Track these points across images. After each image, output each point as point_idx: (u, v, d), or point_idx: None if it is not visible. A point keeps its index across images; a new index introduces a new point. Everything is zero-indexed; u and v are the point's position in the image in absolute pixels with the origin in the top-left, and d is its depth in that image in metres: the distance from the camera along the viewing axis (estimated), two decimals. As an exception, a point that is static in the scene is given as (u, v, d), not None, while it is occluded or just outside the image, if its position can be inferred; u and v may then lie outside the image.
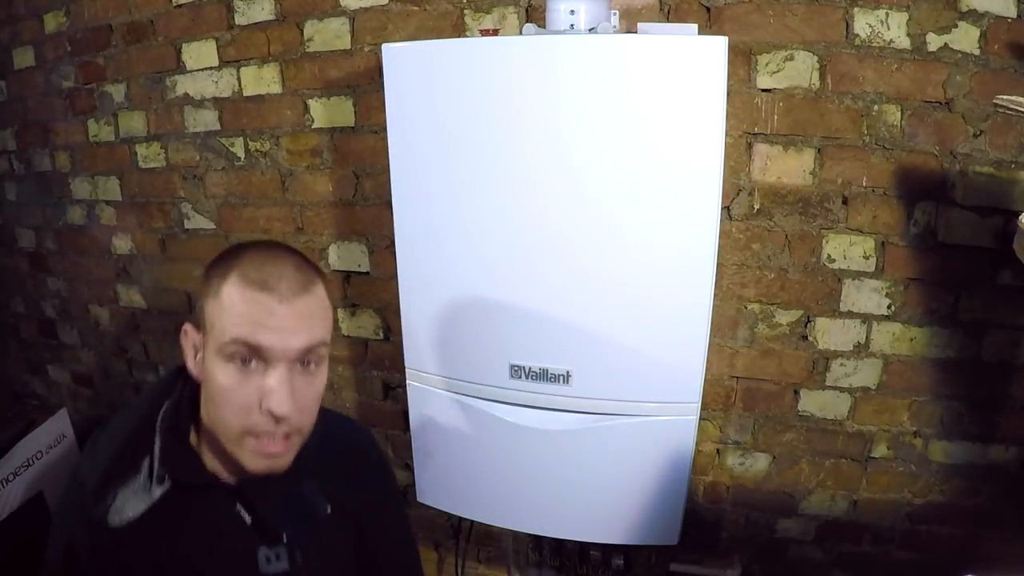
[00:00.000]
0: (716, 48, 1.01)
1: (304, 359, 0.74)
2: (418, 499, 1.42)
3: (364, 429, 1.04)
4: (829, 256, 1.39)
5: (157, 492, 0.76)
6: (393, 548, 0.99)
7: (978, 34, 1.22)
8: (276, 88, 1.70)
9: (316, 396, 0.77)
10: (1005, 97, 0.97)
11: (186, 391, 0.81)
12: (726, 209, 1.41)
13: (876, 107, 1.30)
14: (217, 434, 0.75)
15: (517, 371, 1.21)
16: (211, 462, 0.79)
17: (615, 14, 1.19)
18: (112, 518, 0.75)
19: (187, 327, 0.77)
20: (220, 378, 0.71)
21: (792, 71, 1.32)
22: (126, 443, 0.79)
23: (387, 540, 0.97)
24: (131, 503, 0.76)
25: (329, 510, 0.86)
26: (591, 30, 1.11)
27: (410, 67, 1.15)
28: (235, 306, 0.71)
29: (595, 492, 1.27)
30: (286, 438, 0.74)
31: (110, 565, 0.77)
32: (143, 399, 0.84)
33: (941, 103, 1.27)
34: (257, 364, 0.71)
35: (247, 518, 0.80)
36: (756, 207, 1.40)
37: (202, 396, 0.76)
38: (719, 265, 1.38)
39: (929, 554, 1.52)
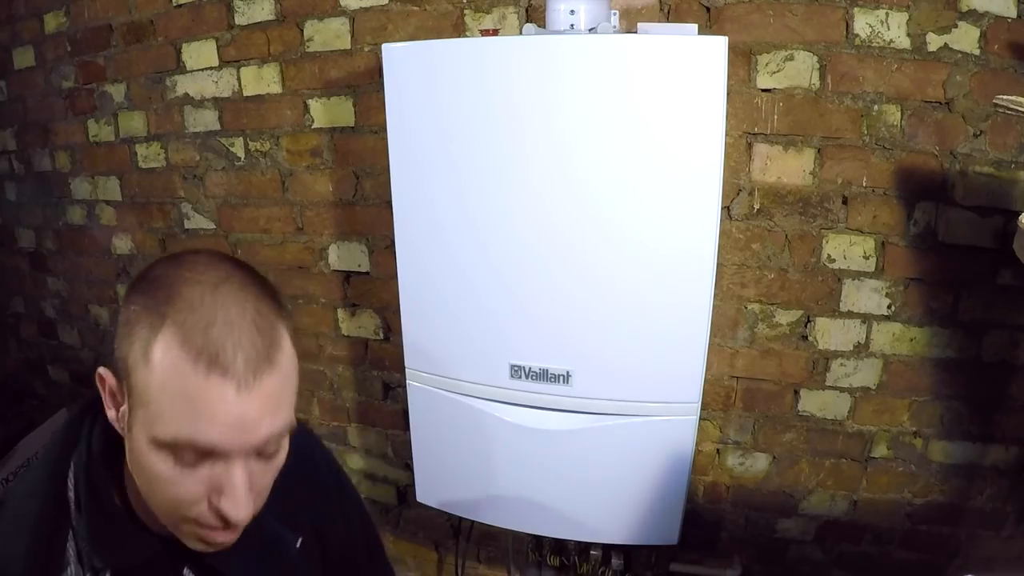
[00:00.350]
0: (716, 48, 1.01)
1: (264, 450, 0.58)
2: (418, 499, 1.42)
3: (316, 437, 0.90)
4: (829, 256, 1.39)
5: None
6: (363, 552, 0.92)
7: (978, 34, 1.22)
8: (276, 88, 1.70)
9: (275, 475, 0.62)
10: (1005, 97, 0.97)
11: (95, 439, 0.63)
12: (726, 209, 1.41)
13: (876, 107, 1.30)
14: (150, 506, 0.60)
15: (517, 371, 1.21)
16: (145, 515, 0.64)
17: (615, 14, 1.19)
18: None
19: (103, 372, 0.59)
20: (155, 467, 0.55)
21: (792, 71, 1.32)
22: (38, 528, 0.61)
23: (355, 548, 0.90)
24: None
25: (299, 543, 0.75)
26: (591, 30, 1.11)
27: (410, 67, 1.15)
28: (173, 390, 0.53)
29: (595, 492, 1.27)
30: (230, 528, 0.60)
31: None
32: (43, 462, 0.65)
33: (941, 103, 1.27)
34: (205, 457, 0.56)
35: None
36: (756, 207, 1.40)
37: (128, 459, 0.59)
38: (719, 265, 1.38)
39: (929, 554, 1.52)
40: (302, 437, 0.76)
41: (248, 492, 0.57)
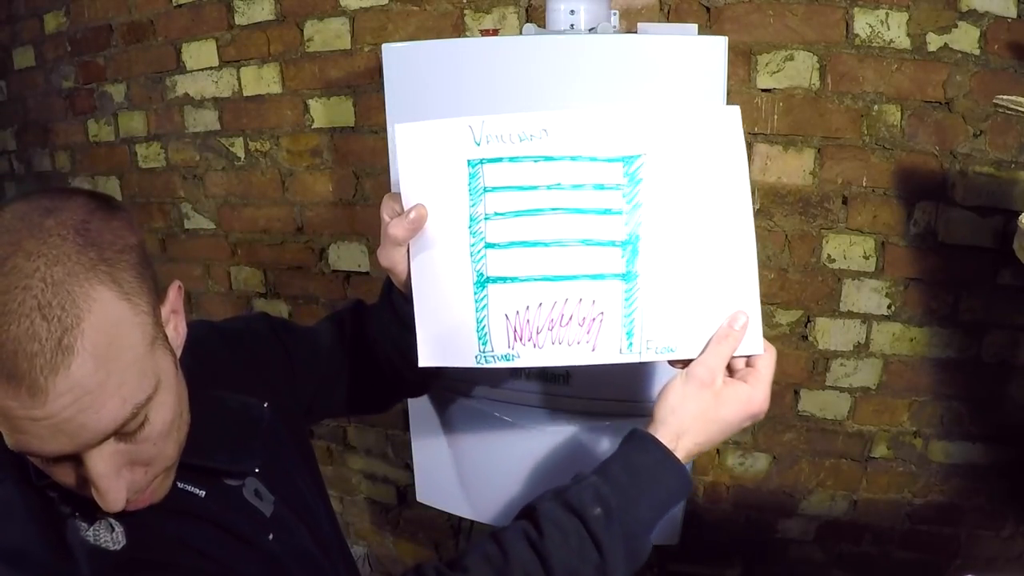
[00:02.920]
0: (716, 48, 1.01)
1: (122, 432, 0.51)
2: (418, 499, 1.42)
3: (208, 322, 0.81)
4: (829, 256, 1.39)
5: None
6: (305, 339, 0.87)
7: (978, 34, 1.22)
8: (276, 88, 1.70)
9: (167, 437, 0.55)
10: (1005, 97, 0.97)
11: None
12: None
13: (876, 107, 1.30)
14: None
15: (517, 371, 1.21)
16: None
17: (615, 14, 1.19)
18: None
19: None
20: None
21: (792, 71, 1.32)
22: (27, 507, 0.56)
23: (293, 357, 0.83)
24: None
25: (267, 405, 0.72)
26: (591, 30, 1.11)
27: (410, 67, 1.15)
28: None
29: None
30: (146, 491, 0.55)
31: None
32: None
33: (941, 103, 1.27)
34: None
35: (199, 492, 0.64)
36: (756, 207, 1.40)
37: None
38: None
39: (929, 554, 1.52)
40: (200, 329, 0.73)
41: (116, 480, 0.51)
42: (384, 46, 1.15)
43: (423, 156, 0.67)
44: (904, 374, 1.42)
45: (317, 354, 0.86)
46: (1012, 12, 1.20)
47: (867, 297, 1.39)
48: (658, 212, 0.64)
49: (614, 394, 1.19)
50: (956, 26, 1.23)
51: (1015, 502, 1.43)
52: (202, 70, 1.77)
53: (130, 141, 1.95)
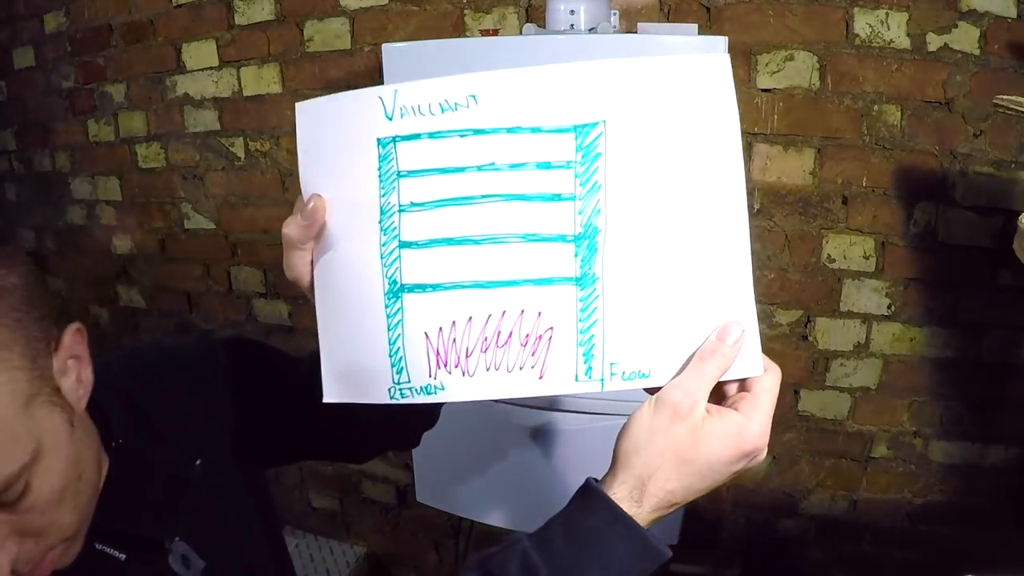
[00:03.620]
0: (716, 48, 1.01)
1: None
2: (418, 499, 1.42)
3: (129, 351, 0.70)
4: (829, 256, 1.39)
5: None
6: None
7: (978, 34, 1.22)
8: (276, 88, 1.70)
9: (52, 503, 0.48)
10: (1005, 97, 0.97)
11: None
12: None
13: (876, 107, 1.30)
14: None
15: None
16: None
17: (615, 14, 1.19)
18: None
19: None
20: None
21: (792, 71, 1.32)
22: None
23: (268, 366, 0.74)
24: None
25: (199, 463, 0.62)
26: (591, 30, 1.11)
27: (410, 67, 1.15)
28: None
29: (595, 492, 1.27)
30: (42, 562, 0.50)
31: None
32: None
33: (941, 103, 1.27)
34: None
35: (119, 555, 0.57)
36: (756, 207, 1.40)
37: None
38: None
39: (929, 554, 1.52)
40: (148, 351, 0.67)
41: None
42: (384, 46, 1.15)
43: (326, 138, 0.54)
44: (904, 374, 1.42)
45: (287, 389, 0.71)
46: (1012, 12, 1.20)
47: (867, 297, 1.39)
48: (622, 197, 0.49)
49: (614, 394, 1.19)
50: (956, 26, 1.23)
51: (1015, 502, 1.43)
52: (202, 70, 1.77)
53: (130, 141, 1.95)
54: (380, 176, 0.52)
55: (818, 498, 1.55)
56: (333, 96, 0.52)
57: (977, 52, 1.23)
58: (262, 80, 1.71)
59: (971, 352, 1.37)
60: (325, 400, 0.55)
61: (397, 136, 0.51)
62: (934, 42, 1.24)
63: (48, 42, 2.01)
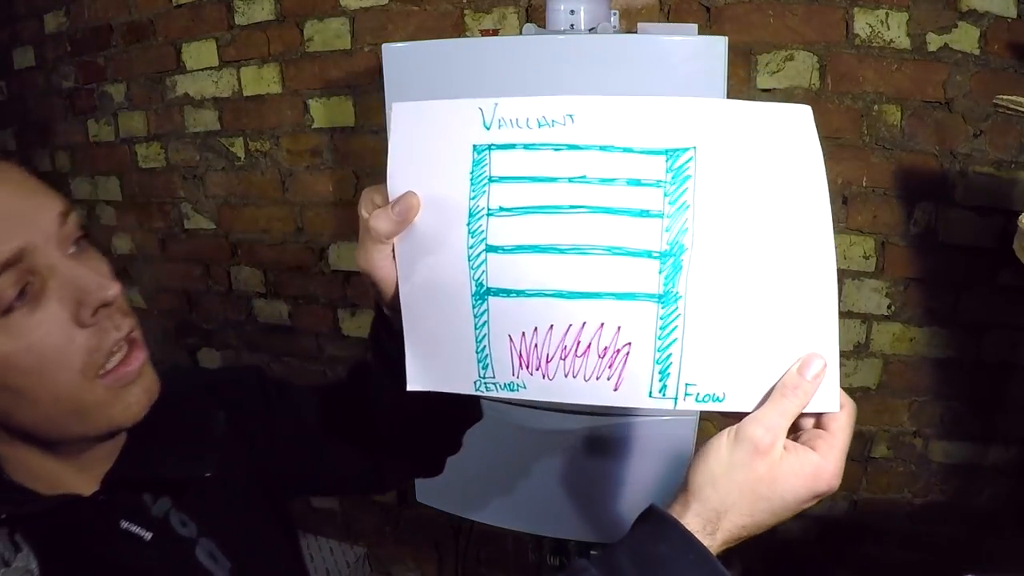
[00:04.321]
0: (716, 48, 1.01)
1: (72, 235, 0.54)
2: (418, 499, 1.42)
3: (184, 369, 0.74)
4: (829, 256, 1.39)
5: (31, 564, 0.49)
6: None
7: (978, 34, 1.22)
8: (276, 88, 1.70)
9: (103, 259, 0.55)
10: (1005, 97, 0.97)
11: None
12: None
13: (876, 107, 1.30)
14: (48, 433, 0.52)
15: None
16: (40, 480, 0.53)
17: (615, 14, 1.19)
18: None
19: None
20: (44, 340, 0.49)
21: (792, 71, 1.32)
22: None
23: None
24: None
25: (223, 419, 0.65)
26: (591, 30, 1.11)
27: (410, 67, 1.15)
28: None
29: (595, 492, 1.27)
30: (132, 343, 0.54)
31: None
32: None
33: (941, 103, 1.27)
34: (29, 294, 0.49)
35: (145, 534, 0.56)
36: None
37: None
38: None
39: (929, 554, 1.52)
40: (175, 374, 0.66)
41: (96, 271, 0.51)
42: (384, 46, 1.15)
43: (420, 140, 0.56)
44: (904, 374, 1.42)
45: (303, 424, 0.74)
46: (1012, 12, 1.20)
47: (867, 297, 1.39)
48: (710, 218, 0.49)
49: (614, 394, 1.19)
50: (956, 26, 1.23)
51: (1015, 502, 1.43)
52: (202, 70, 1.77)
53: (130, 141, 1.95)
54: (472, 179, 0.54)
55: (818, 498, 1.55)
56: (431, 102, 0.55)
57: (977, 52, 1.23)
58: (262, 80, 1.71)
59: (971, 352, 1.37)
60: (409, 388, 0.58)
61: (493, 144, 0.53)
62: (934, 42, 1.24)
63: (48, 42, 2.01)
